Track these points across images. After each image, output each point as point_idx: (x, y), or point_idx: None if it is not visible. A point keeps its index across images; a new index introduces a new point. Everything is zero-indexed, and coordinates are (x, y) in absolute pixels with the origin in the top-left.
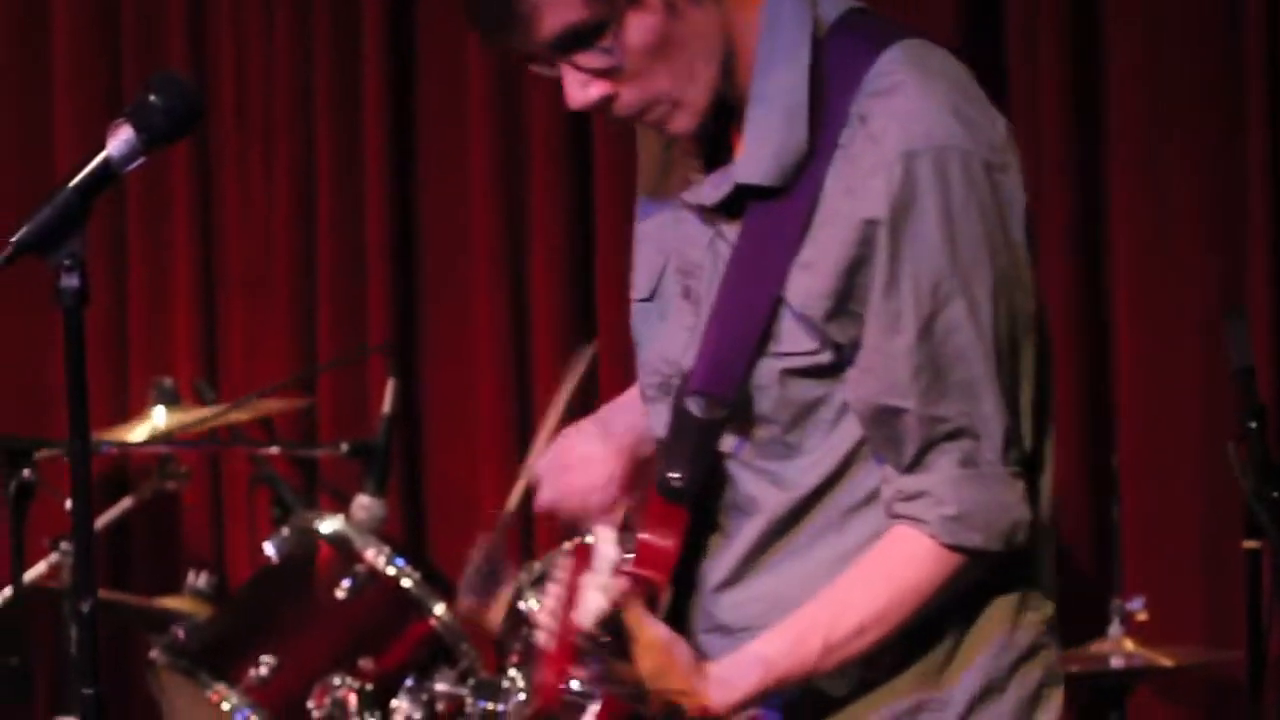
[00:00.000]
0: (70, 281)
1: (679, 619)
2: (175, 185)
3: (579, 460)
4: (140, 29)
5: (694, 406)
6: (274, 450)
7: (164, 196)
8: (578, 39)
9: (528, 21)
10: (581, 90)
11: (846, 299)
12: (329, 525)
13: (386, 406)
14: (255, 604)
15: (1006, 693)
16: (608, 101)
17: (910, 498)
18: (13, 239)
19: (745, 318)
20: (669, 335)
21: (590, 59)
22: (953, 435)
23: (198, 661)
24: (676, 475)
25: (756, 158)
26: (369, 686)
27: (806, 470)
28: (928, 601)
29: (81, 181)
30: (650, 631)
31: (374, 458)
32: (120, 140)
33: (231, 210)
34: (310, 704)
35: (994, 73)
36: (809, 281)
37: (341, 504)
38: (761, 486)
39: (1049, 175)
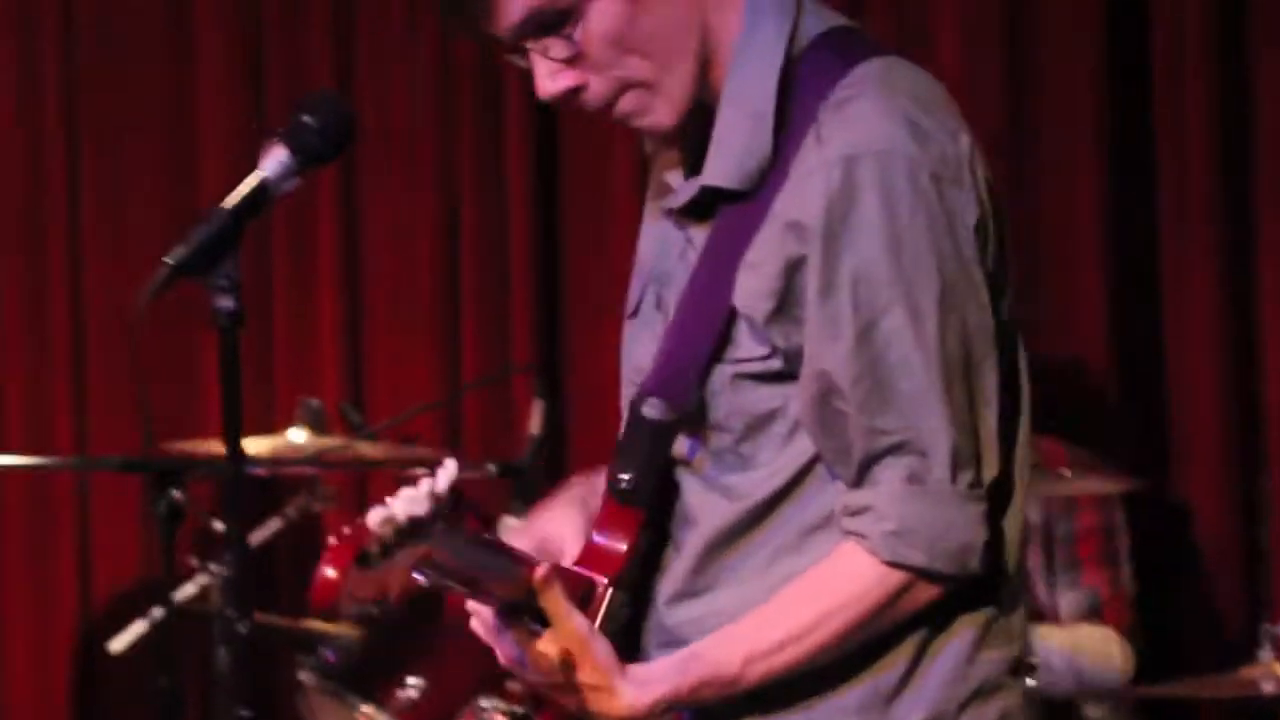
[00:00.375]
0: (225, 303)
1: (636, 632)
2: (320, 206)
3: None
4: (284, 53)
5: (647, 409)
6: (420, 473)
7: (309, 218)
8: (541, 25)
9: (491, 7)
10: (551, 80)
11: (786, 301)
12: None
13: (533, 428)
14: (403, 626)
15: None
16: (577, 92)
17: (855, 513)
18: (168, 260)
19: (701, 321)
20: (642, 346)
21: (554, 46)
22: (896, 449)
23: (346, 683)
24: (625, 476)
25: (720, 160)
26: (518, 708)
27: (758, 483)
28: (867, 621)
29: (237, 203)
30: (568, 621)
31: (522, 479)
32: (274, 161)
33: (376, 232)
34: None
35: (1139, 102)
36: (752, 282)
37: (488, 526)
38: (711, 498)
39: (1196, 204)
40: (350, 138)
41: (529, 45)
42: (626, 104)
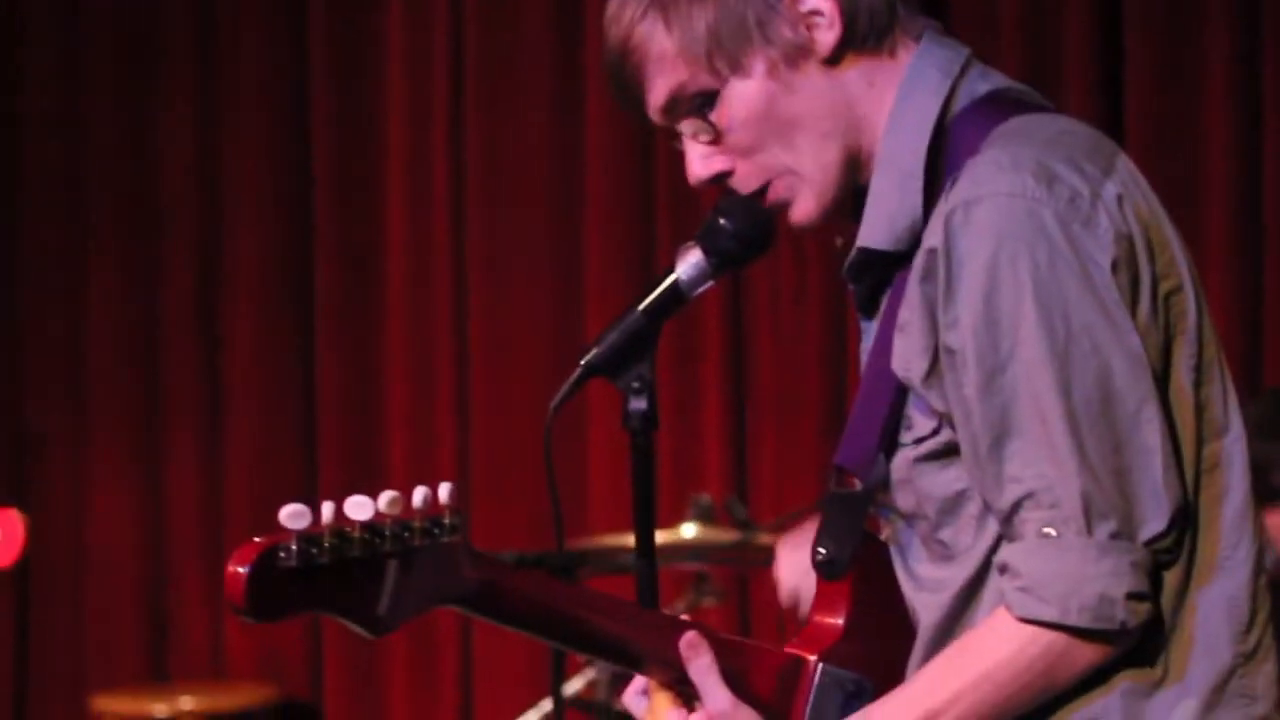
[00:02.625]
0: (639, 405)
1: None
2: (705, 299)
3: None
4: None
5: (835, 482)
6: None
7: (695, 307)
8: (684, 107)
9: (644, 91)
10: (700, 164)
11: (939, 357)
12: None
13: None
14: None
15: None
16: (725, 176)
17: (1001, 570)
18: (582, 360)
19: (877, 392)
20: None
21: (696, 127)
22: (1029, 500)
23: None
24: (823, 550)
25: (872, 221)
26: None
27: (957, 573)
28: (1022, 686)
29: (650, 304)
30: (714, 694)
31: None
32: (689, 263)
33: (762, 328)
34: None
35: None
36: (902, 344)
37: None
38: (922, 596)
39: None
40: (767, 243)
41: (678, 128)
42: (776, 192)
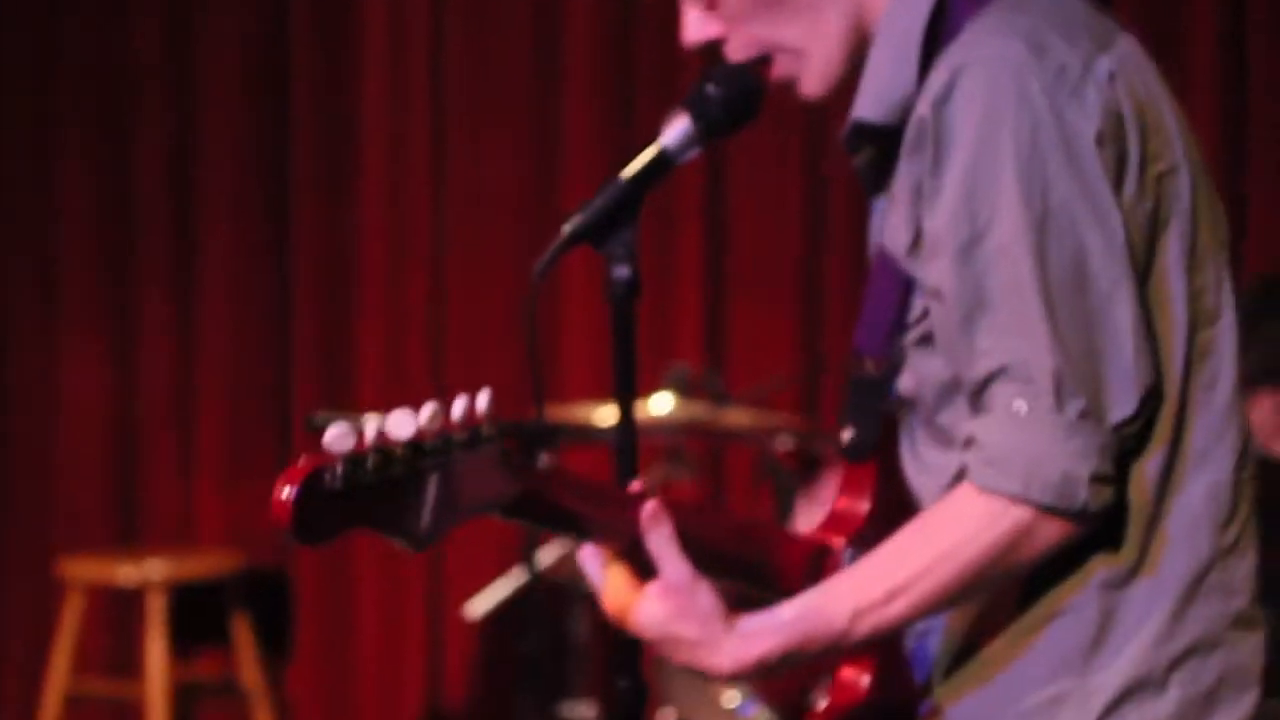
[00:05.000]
0: (621, 272)
1: None
2: (686, 172)
3: None
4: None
5: (853, 366)
6: (785, 443)
7: (675, 184)
8: None
9: None
10: (694, 29)
11: (920, 225)
12: None
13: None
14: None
15: (1167, 690)
16: (719, 44)
17: (967, 444)
18: (565, 228)
19: (883, 274)
20: None
21: None
22: (1000, 374)
23: None
24: (847, 434)
25: (865, 94)
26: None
27: (954, 458)
28: (983, 565)
29: (636, 172)
30: (671, 568)
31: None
32: (676, 130)
33: (741, 199)
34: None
35: None
36: (893, 217)
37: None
38: (922, 479)
39: None
40: (755, 111)
41: None
42: (779, 71)
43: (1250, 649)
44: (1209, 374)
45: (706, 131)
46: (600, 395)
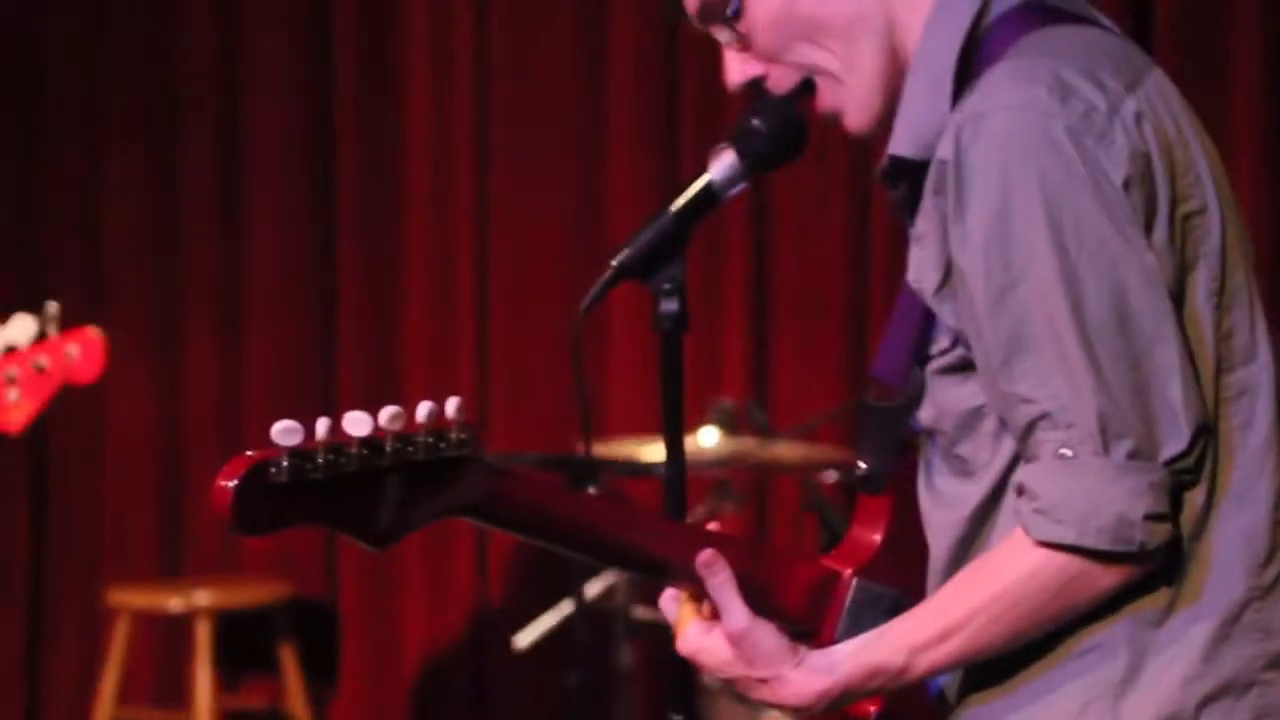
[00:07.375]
0: (670, 306)
1: None
2: (730, 205)
3: None
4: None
5: (871, 396)
6: (829, 476)
7: (719, 218)
8: (713, 14)
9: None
10: (736, 71)
11: (949, 268)
12: None
13: None
14: None
15: None
16: (760, 82)
17: (1019, 492)
18: (613, 262)
19: (907, 306)
20: None
21: (727, 35)
22: (1044, 420)
23: None
24: (862, 464)
25: (901, 128)
26: None
27: (975, 490)
28: (1036, 609)
29: (683, 205)
30: (732, 612)
31: None
32: (723, 164)
33: (785, 233)
34: None
35: None
36: (918, 255)
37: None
38: (939, 512)
39: None
40: (801, 145)
41: (712, 33)
42: (823, 102)
43: None
44: (1245, 413)
45: (752, 165)
46: (645, 429)
